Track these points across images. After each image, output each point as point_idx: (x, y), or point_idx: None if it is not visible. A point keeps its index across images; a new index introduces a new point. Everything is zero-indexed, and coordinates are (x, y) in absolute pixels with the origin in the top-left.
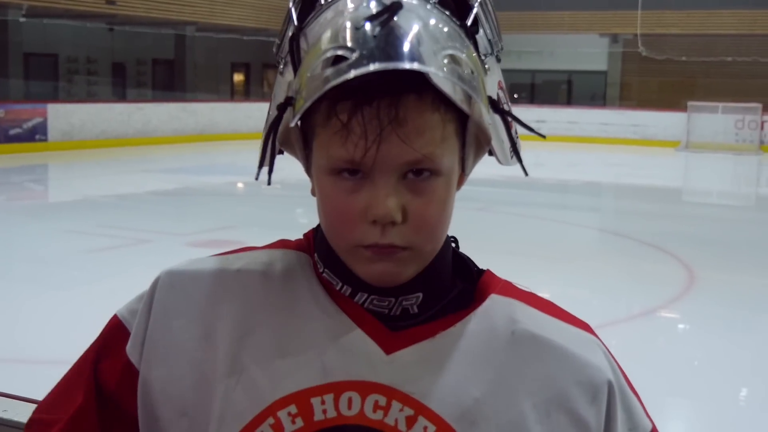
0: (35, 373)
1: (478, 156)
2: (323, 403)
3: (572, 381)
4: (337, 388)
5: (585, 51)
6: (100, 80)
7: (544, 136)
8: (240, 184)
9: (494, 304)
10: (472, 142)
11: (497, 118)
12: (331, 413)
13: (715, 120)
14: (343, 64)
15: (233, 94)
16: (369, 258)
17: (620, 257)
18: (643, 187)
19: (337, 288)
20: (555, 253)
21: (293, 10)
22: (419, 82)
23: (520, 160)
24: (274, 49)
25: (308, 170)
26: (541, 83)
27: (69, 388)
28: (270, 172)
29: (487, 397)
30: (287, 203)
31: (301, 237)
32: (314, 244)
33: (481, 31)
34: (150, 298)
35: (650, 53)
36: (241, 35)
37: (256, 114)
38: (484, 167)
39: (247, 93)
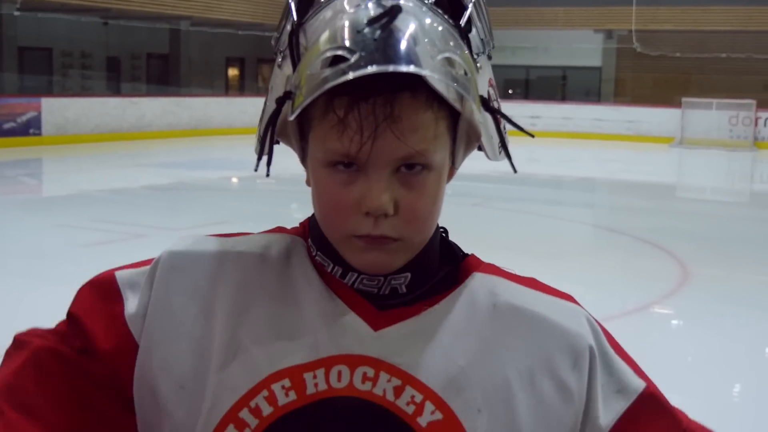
0: None
1: (467, 151)
2: (315, 377)
3: (554, 348)
4: (327, 363)
5: (579, 47)
6: (95, 74)
7: (532, 136)
8: (234, 179)
9: (476, 280)
10: (463, 137)
11: (488, 115)
12: (322, 386)
13: (709, 116)
14: (343, 65)
15: (228, 88)
16: (361, 248)
17: (614, 253)
18: (637, 183)
19: (329, 270)
20: (549, 249)
21: (292, 4)
22: (414, 81)
23: (508, 156)
24: (272, 42)
25: (303, 160)
26: (536, 79)
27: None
28: (269, 163)
29: (472, 365)
30: (282, 198)
31: (298, 225)
32: (309, 230)
33: (474, 30)
34: (151, 276)
35: (645, 49)
36: (236, 30)
37: (250, 109)
38: (480, 164)
39: (241, 88)
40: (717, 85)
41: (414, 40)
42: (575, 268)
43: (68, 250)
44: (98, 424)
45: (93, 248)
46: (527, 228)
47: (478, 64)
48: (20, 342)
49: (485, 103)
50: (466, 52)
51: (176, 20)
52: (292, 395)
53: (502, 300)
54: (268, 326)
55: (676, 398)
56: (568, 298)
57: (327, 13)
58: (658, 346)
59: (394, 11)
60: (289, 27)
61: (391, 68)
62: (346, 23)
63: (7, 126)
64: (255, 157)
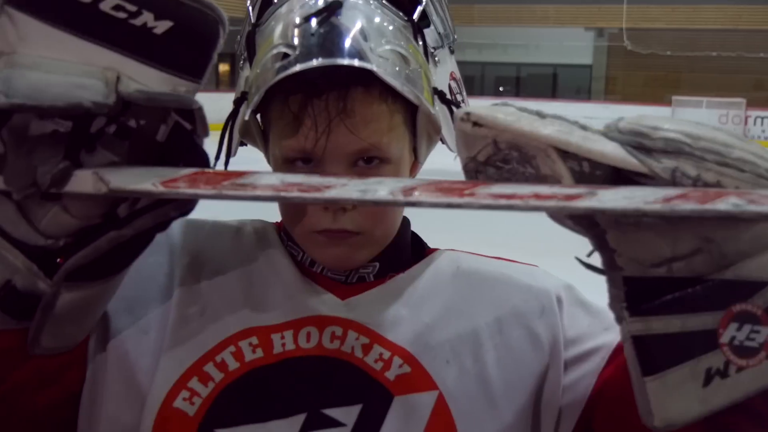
0: None
1: (431, 145)
2: (283, 338)
3: (519, 299)
4: (296, 325)
5: (570, 45)
6: None
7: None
8: None
9: (440, 254)
10: (424, 131)
11: (446, 108)
12: (290, 346)
13: (699, 114)
14: (290, 59)
15: (218, 84)
16: (323, 243)
17: None
18: None
19: (299, 258)
20: (541, 247)
21: (250, 8)
22: (366, 76)
23: None
24: (235, 47)
25: (269, 160)
26: (527, 76)
27: None
28: (226, 163)
29: (438, 321)
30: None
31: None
32: (283, 225)
33: (431, 25)
34: None
35: (635, 47)
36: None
37: None
38: None
39: (232, 83)
40: (707, 84)
41: (360, 34)
42: (568, 265)
43: None
44: None
45: None
46: (518, 226)
47: (436, 58)
48: None
49: (441, 96)
50: (418, 47)
51: None
52: (259, 352)
53: (465, 265)
54: (239, 291)
55: None
56: (534, 266)
57: (282, 9)
58: None
59: (334, 6)
60: (248, 29)
61: (333, 62)
62: (291, 20)
63: None
64: (246, 154)
